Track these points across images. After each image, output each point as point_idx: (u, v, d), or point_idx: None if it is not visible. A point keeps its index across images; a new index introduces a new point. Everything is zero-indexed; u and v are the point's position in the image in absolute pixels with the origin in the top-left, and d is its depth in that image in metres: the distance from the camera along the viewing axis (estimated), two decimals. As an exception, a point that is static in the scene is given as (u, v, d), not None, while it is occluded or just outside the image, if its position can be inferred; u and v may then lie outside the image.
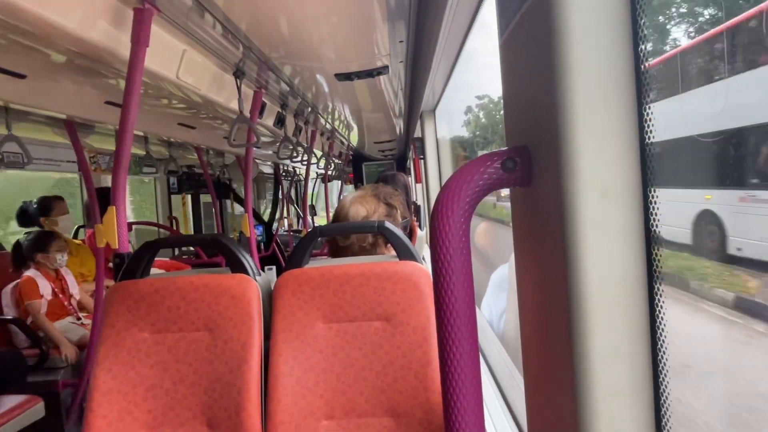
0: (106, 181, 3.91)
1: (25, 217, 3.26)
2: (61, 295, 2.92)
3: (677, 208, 2.25)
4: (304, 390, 1.24)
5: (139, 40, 1.14)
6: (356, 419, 1.22)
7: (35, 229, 3.31)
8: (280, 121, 2.68)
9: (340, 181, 7.36)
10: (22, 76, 1.56)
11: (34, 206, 3.20)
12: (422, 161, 3.58)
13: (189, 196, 5.51)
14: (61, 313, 2.90)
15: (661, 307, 0.42)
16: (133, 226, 4.45)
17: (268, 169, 6.84)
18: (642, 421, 0.42)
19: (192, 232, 5.63)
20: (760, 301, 1.90)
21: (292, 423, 1.21)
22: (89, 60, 1.46)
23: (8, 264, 2.96)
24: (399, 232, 1.34)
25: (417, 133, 3.66)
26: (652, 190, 0.42)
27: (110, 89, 1.85)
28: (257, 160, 5.40)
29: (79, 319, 2.96)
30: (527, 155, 0.49)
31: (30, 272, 2.82)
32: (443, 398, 0.50)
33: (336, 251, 1.49)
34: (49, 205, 3.17)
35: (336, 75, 1.93)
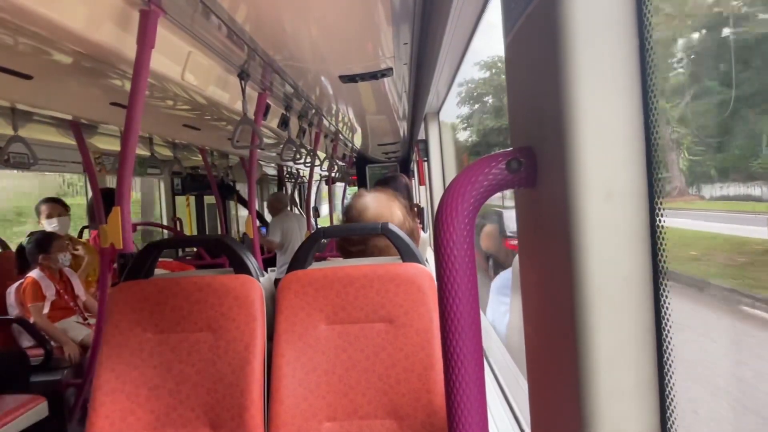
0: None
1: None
2: (66, 296, 2.93)
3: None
4: (307, 391, 1.23)
5: (145, 41, 1.15)
6: (358, 421, 1.22)
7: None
8: (284, 123, 2.69)
9: (344, 183, 7.37)
10: (28, 77, 1.57)
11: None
12: (426, 163, 3.58)
13: (193, 198, 5.52)
14: (66, 313, 2.91)
15: (667, 308, 0.42)
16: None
17: (272, 171, 6.86)
18: (648, 423, 0.42)
19: (196, 233, 5.65)
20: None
21: (295, 425, 1.21)
22: (95, 61, 1.47)
23: (12, 264, 2.97)
24: (402, 233, 1.34)
25: (421, 135, 3.66)
26: (658, 191, 0.42)
27: (116, 90, 1.86)
28: (261, 162, 5.42)
29: (85, 319, 2.97)
30: (532, 156, 0.48)
31: (34, 273, 2.83)
32: (446, 401, 0.50)
33: (348, 254, 1.48)
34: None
35: (340, 77, 1.93)
